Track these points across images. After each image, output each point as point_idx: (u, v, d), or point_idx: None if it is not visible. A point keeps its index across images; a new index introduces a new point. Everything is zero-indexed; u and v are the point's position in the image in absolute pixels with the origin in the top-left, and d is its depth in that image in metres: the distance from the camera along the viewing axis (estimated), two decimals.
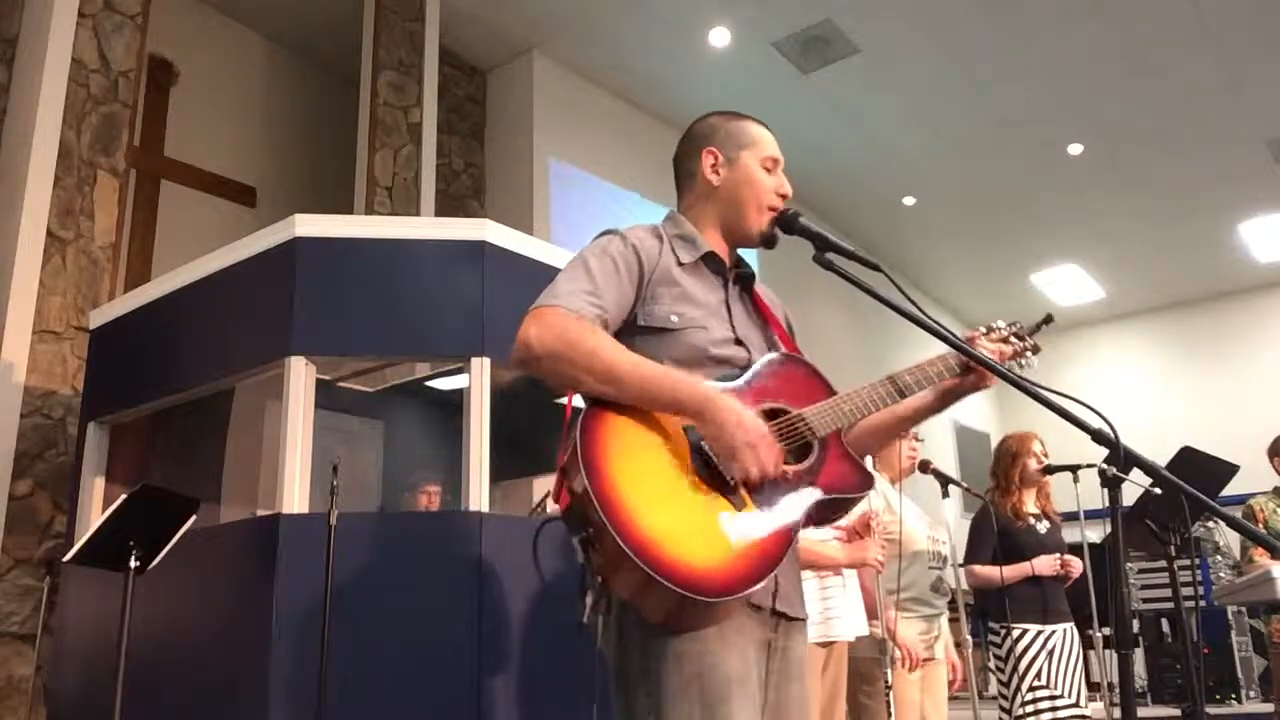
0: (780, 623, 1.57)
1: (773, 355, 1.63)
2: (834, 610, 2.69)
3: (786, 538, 1.43)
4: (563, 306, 1.48)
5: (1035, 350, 1.83)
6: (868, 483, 1.58)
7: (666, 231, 1.69)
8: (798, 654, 1.60)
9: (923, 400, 1.74)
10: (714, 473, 1.43)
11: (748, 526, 1.41)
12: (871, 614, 2.96)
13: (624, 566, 1.32)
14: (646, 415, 1.46)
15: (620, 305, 1.55)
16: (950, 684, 3.42)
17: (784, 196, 1.70)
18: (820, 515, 1.54)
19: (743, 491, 1.43)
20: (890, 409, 1.70)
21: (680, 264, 1.64)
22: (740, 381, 1.56)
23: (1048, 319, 1.76)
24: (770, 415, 1.53)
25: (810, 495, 1.49)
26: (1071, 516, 3.77)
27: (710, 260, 1.68)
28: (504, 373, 3.47)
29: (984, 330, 1.80)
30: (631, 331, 1.57)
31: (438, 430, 4.61)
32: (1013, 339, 1.80)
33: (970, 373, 1.68)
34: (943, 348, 1.64)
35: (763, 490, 1.45)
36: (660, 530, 1.34)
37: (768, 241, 1.69)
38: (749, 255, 1.79)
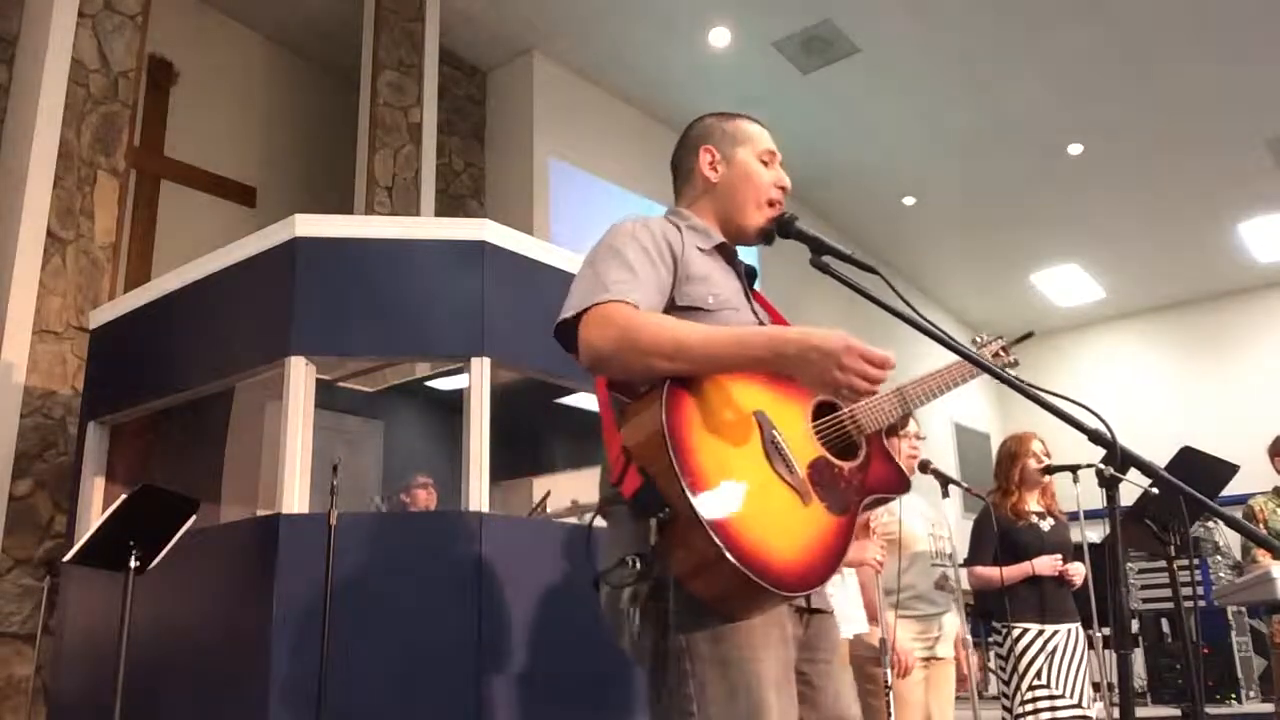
0: (812, 618, 1.58)
1: None
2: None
3: (848, 535, 1.44)
4: (611, 298, 1.45)
5: (1014, 364, 1.86)
6: (906, 484, 1.59)
7: (678, 221, 1.68)
8: (833, 638, 1.62)
9: None
10: (785, 462, 1.43)
11: (816, 522, 1.41)
12: (870, 615, 2.96)
13: (699, 544, 1.29)
14: (722, 400, 1.43)
15: (662, 289, 1.53)
16: (960, 680, 3.42)
17: (783, 189, 1.70)
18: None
19: (808, 485, 1.43)
20: None
21: (700, 250, 1.63)
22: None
23: (1028, 335, 1.79)
24: (820, 410, 1.54)
25: (860, 493, 1.49)
26: (1072, 517, 3.78)
27: (723, 250, 1.68)
28: (504, 373, 3.47)
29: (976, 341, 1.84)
30: (670, 312, 1.55)
31: (438, 430, 4.62)
32: (1000, 352, 1.83)
33: None
34: (939, 350, 1.64)
35: (824, 485, 1.45)
36: (740, 516, 1.32)
37: (766, 237, 1.69)
38: (749, 254, 1.79)
